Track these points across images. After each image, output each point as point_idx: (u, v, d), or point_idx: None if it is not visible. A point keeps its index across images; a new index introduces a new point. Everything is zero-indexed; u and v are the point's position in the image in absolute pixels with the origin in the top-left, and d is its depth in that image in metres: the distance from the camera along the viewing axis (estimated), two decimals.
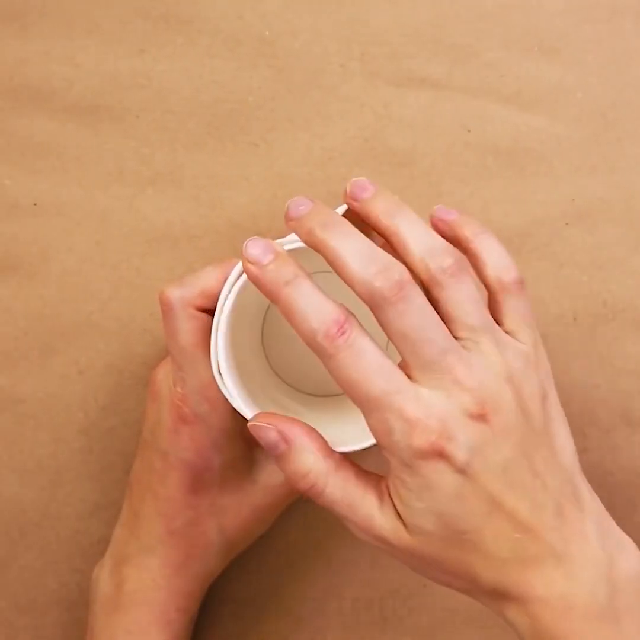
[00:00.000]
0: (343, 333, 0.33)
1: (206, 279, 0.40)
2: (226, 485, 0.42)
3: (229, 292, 0.38)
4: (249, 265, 0.35)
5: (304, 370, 0.45)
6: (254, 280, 0.35)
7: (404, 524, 0.34)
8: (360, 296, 0.33)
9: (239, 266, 0.38)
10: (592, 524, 0.35)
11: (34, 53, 0.48)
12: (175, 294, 0.40)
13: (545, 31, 0.48)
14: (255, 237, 0.35)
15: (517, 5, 0.48)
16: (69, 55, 0.48)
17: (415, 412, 0.33)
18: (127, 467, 0.47)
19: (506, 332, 0.36)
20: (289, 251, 0.35)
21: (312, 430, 0.36)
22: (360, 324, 0.33)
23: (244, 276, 0.37)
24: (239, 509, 0.42)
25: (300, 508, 0.46)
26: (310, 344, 0.33)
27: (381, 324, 0.33)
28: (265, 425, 0.35)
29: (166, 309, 0.40)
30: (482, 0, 0.48)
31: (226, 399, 0.38)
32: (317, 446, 0.35)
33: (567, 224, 0.48)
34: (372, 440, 0.36)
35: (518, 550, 0.33)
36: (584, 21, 0.48)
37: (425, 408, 0.33)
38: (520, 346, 0.35)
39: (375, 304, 0.33)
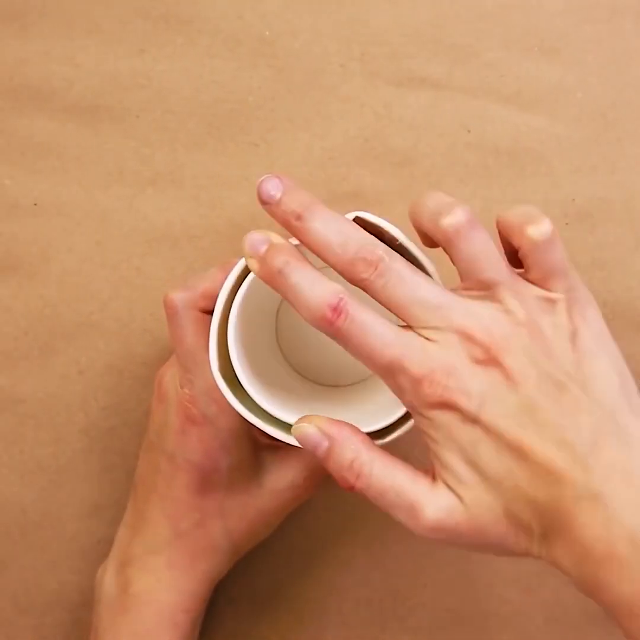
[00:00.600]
0: (339, 314, 0.33)
1: (210, 281, 0.40)
2: (233, 487, 0.42)
3: (228, 293, 0.38)
4: (249, 259, 0.35)
5: (317, 362, 0.45)
6: (255, 272, 0.35)
7: (456, 496, 0.34)
8: (346, 278, 0.34)
9: (238, 266, 0.38)
10: None
11: (34, 53, 0.47)
12: (179, 297, 0.40)
13: (545, 31, 0.48)
14: (253, 231, 0.35)
15: (517, 5, 0.48)
16: (69, 55, 0.48)
17: (420, 369, 0.33)
18: (127, 467, 0.47)
19: (532, 282, 0.35)
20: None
21: (352, 425, 0.36)
22: (354, 299, 0.34)
23: (250, 277, 0.37)
24: (245, 511, 0.42)
25: (300, 509, 0.46)
26: (316, 325, 0.34)
27: (375, 299, 0.34)
28: (306, 424, 0.35)
29: (171, 313, 0.40)
30: (482, 0, 0.48)
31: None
32: (360, 438, 0.35)
33: (567, 224, 0.48)
34: (394, 417, 0.37)
35: (553, 493, 0.33)
36: (584, 21, 0.48)
37: (430, 362, 0.33)
38: (542, 292, 0.35)
39: (360, 284, 0.34)
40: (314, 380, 0.46)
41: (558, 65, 0.48)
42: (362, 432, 0.36)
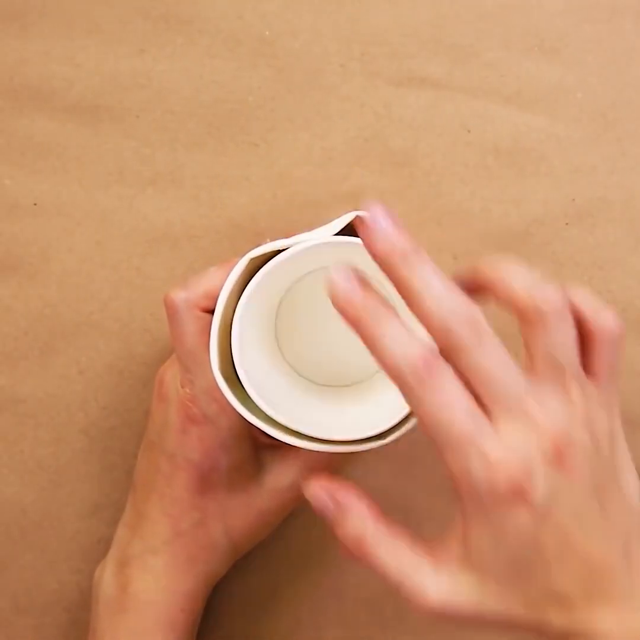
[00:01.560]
0: (429, 370, 0.32)
1: (210, 280, 0.40)
2: (233, 487, 0.42)
3: (229, 293, 0.38)
4: (334, 293, 0.32)
5: (318, 362, 0.45)
6: (338, 308, 0.33)
7: (472, 575, 0.34)
8: (435, 338, 0.32)
9: (239, 266, 0.38)
10: None
11: (34, 53, 0.47)
12: (180, 296, 0.40)
13: (545, 31, 0.48)
14: (340, 265, 0.32)
15: (517, 5, 0.48)
16: (69, 55, 0.48)
17: (496, 452, 0.32)
18: (127, 467, 0.47)
19: (590, 374, 0.35)
20: (302, 251, 0.36)
21: (362, 493, 0.35)
22: (444, 361, 0.32)
23: (256, 279, 0.37)
24: (245, 511, 0.42)
25: (300, 509, 0.46)
26: (393, 378, 0.32)
27: (456, 363, 0.33)
28: (318, 487, 0.35)
29: (171, 312, 0.40)
30: (482, 0, 0.48)
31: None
32: (365, 504, 0.35)
33: (567, 224, 0.48)
34: (395, 419, 0.37)
35: (588, 589, 0.33)
36: (584, 21, 0.48)
37: (506, 448, 0.32)
38: (595, 391, 0.35)
39: (451, 346, 0.32)
40: (314, 381, 0.46)
41: (558, 65, 0.48)
42: (366, 497, 0.35)
